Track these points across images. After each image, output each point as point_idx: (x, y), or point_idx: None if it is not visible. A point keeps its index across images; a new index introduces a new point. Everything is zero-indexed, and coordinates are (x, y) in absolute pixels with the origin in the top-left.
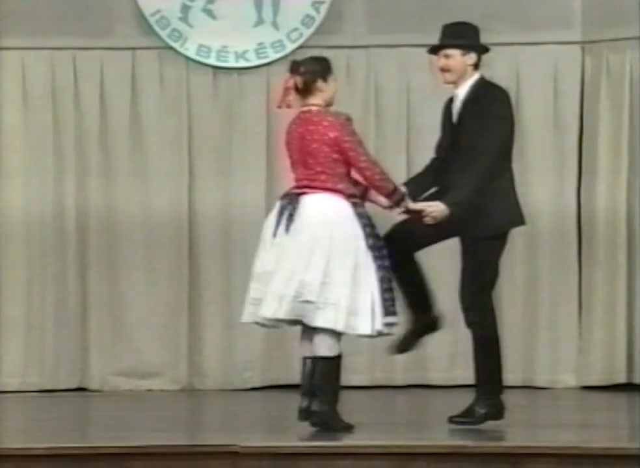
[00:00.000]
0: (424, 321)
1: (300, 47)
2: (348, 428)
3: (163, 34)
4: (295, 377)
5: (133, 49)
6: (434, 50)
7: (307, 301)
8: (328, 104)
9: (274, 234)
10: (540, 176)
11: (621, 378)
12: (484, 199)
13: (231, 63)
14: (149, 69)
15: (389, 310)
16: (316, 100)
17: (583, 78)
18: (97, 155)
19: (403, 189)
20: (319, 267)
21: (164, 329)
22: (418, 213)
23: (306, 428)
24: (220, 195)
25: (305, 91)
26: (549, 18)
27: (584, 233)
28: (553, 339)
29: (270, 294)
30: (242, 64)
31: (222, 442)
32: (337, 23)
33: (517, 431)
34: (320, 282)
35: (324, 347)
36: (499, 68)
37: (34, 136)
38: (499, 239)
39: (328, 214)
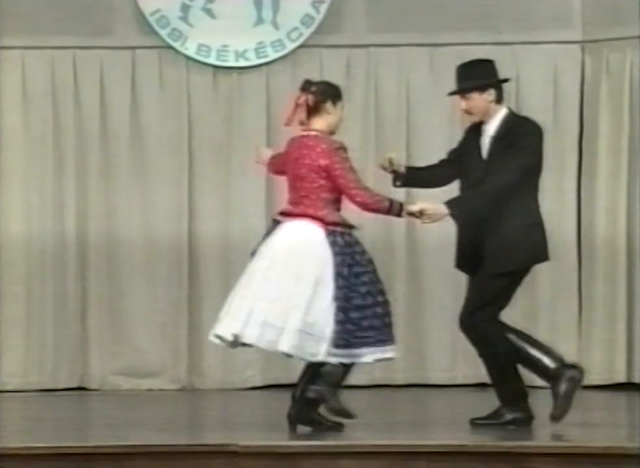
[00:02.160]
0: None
1: (300, 46)
2: (338, 427)
3: (163, 33)
4: (295, 377)
5: (133, 48)
6: (454, 94)
7: (268, 325)
8: (332, 130)
9: (254, 255)
10: (540, 176)
11: (621, 378)
12: (506, 233)
13: (231, 62)
14: (149, 68)
15: (338, 343)
16: (320, 123)
17: (583, 78)
18: (97, 153)
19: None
20: (275, 290)
21: (164, 329)
22: (418, 214)
23: (305, 427)
24: (219, 195)
25: (314, 110)
26: (549, 17)
27: (584, 233)
28: (552, 338)
29: (231, 316)
30: (242, 63)
31: (222, 441)
32: (337, 22)
33: (517, 430)
34: (268, 305)
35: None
36: (498, 68)
37: (34, 135)
38: (518, 275)
39: (296, 239)
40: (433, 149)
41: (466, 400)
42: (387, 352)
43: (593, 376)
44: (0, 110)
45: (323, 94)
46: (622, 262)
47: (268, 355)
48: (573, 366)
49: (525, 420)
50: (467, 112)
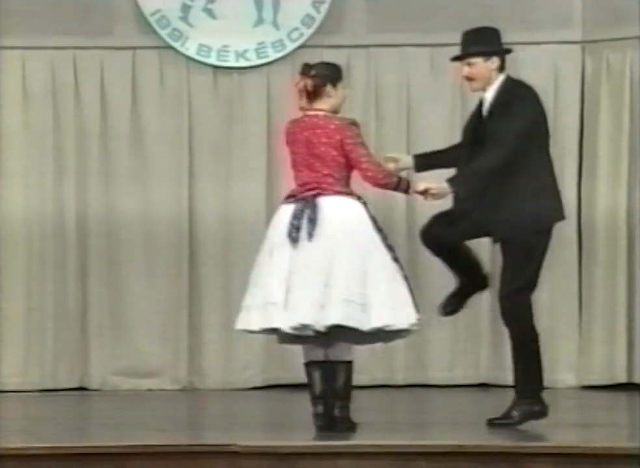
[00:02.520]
0: (472, 280)
1: (301, 46)
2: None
3: (163, 33)
4: (295, 376)
5: (133, 48)
6: (457, 59)
7: (350, 301)
8: (335, 111)
9: (295, 239)
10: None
11: (621, 378)
12: (511, 198)
13: (232, 62)
14: (149, 68)
15: (418, 308)
16: (323, 105)
17: (583, 78)
18: (97, 154)
19: (404, 174)
20: (347, 269)
21: (165, 329)
22: (423, 192)
23: (305, 427)
24: (220, 195)
25: (314, 94)
26: (549, 17)
27: (584, 232)
28: (553, 338)
29: (306, 302)
30: (242, 63)
31: (222, 441)
32: (337, 23)
33: (516, 430)
34: (351, 284)
35: (346, 351)
36: None
37: (34, 135)
38: (536, 238)
39: (348, 217)
40: (434, 148)
41: (466, 400)
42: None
43: (593, 376)
44: (1, 110)
45: (322, 78)
46: (623, 262)
47: (269, 355)
48: None
49: (543, 413)
50: (469, 78)
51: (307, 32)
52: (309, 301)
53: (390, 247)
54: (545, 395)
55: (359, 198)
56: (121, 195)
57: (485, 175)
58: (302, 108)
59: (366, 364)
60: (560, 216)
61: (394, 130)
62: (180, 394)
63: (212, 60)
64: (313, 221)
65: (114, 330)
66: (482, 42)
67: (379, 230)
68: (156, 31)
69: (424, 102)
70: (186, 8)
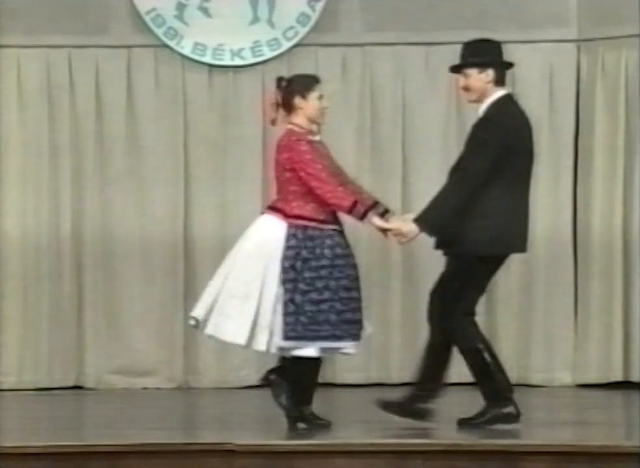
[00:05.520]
0: (430, 388)
1: (296, 45)
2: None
3: (159, 32)
4: None
5: (129, 47)
6: (455, 70)
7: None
8: (313, 121)
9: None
10: (535, 175)
11: (617, 376)
12: (473, 217)
13: (227, 61)
14: (144, 67)
15: (288, 334)
16: (297, 118)
17: (578, 77)
18: (92, 152)
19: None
20: (227, 281)
21: (160, 327)
22: (387, 231)
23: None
24: (215, 194)
25: (286, 107)
26: (544, 16)
27: (580, 231)
28: (548, 337)
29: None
30: (237, 62)
31: (218, 440)
32: (332, 21)
33: (512, 429)
34: (227, 296)
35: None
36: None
37: (29, 134)
38: (488, 262)
39: (250, 235)
40: (429, 148)
41: (459, 398)
42: (343, 348)
43: (589, 375)
44: None
45: (289, 92)
46: (619, 261)
47: (264, 354)
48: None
49: (514, 416)
50: (465, 89)
51: (303, 31)
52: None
53: (285, 270)
54: (541, 393)
55: (298, 217)
56: (117, 194)
57: (452, 210)
58: (273, 121)
59: (362, 362)
60: (514, 247)
61: (389, 129)
62: (176, 393)
63: (207, 58)
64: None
65: (109, 329)
66: (478, 54)
67: (289, 251)
68: (151, 30)
69: (419, 100)
70: (181, 7)
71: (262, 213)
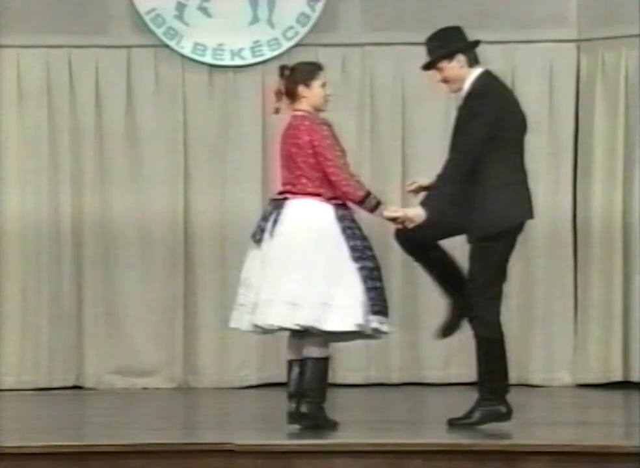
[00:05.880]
0: (463, 302)
1: (296, 45)
2: (335, 426)
3: (159, 32)
4: None
5: (129, 47)
6: (427, 68)
7: (292, 304)
8: (317, 109)
9: (261, 240)
10: (535, 174)
11: (617, 376)
12: (474, 199)
13: (227, 61)
14: (144, 67)
15: (374, 309)
16: (302, 106)
17: (578, 77)
18: (92, 152)
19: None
20: (297, 271)
21: (160, 328)
22: (396, 219)
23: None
24: (215, 194)
25: (290, 96)
26: (544, 16)
27: (580, 231)
28: (548, 337)
29: (260, 301)
30: (237, 62)
31: (218, 440)
32: (332, 21)
33: (513, 429)
34: (300, 284)
35: (315, 349)
36: (494, 66)
37: (29, 133)
38: (499, 239)
39: (308, 218)
40: (429, 147)
41: (460, 398)
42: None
43: (589, 375)
44: None
45: (293, 80)
46: (619, 260)
47: (264, 353)
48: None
49: (505, 414)
50: (444, 81)
51: (303, 31)
52: (260, 301)
53: (357, 249)
54: (541, 393)
55: (333, 198)
56: (117, 194)
57: (450, 188)
58: (276, 110)
59: (362, 362)
60: (524, 216)
61: (389, 129)
62: (175, 393)
63: (207, 58)
64: (275, 222)
65: (109, 329)
66: (442, 45)
67: (347, 231)
68: (151, 30)
69: (419, 100)
70: (181, 7)
71: (277, 197)
